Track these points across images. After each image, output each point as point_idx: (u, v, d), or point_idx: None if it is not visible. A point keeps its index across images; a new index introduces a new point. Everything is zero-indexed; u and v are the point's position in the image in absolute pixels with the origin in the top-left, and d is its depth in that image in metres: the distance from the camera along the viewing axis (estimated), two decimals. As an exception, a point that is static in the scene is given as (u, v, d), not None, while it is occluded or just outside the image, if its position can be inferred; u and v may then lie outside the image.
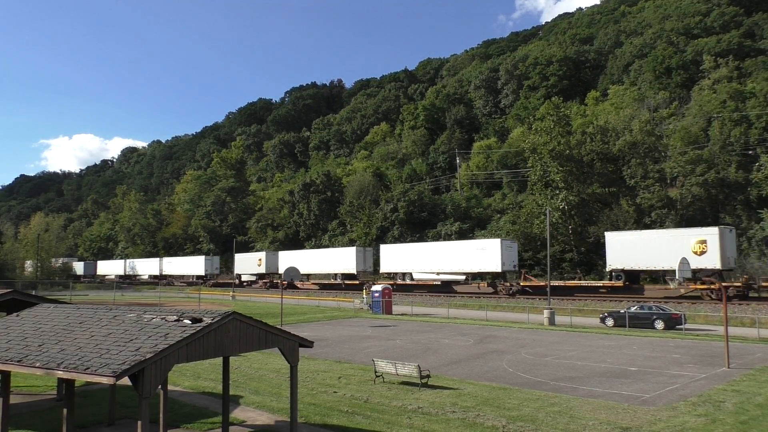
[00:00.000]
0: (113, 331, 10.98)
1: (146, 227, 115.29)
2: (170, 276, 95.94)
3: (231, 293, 67.69)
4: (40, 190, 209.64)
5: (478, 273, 54.47)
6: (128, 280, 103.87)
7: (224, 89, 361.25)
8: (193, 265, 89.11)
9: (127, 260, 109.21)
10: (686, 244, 40.61)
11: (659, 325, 32.09)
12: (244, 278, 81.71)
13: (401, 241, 68.61)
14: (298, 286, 68.63)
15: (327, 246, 79.41)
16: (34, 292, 35.05)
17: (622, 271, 44.93)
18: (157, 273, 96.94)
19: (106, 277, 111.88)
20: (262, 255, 77.52)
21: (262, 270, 76.53)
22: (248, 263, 79.54)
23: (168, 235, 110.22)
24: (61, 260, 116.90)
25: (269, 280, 77.04)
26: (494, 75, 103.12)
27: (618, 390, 17.38)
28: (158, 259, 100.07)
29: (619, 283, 45.41)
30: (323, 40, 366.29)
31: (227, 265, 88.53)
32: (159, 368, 9.63)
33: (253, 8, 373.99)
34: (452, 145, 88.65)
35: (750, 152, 52.08)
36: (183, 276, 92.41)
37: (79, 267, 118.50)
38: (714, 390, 17.24)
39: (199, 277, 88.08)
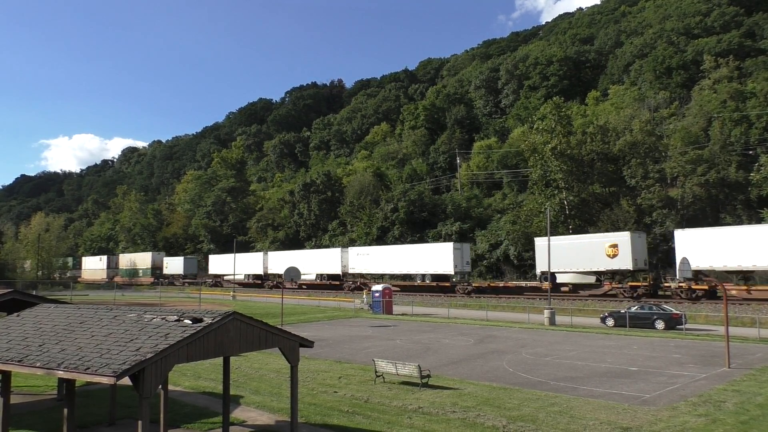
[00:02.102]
0: (114, 331, 10.98)
1: (147, 227, 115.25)
2: (361, 275, 64.58)
3: (231, 293, 67.68)
4: (41, 190, 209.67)
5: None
6: (268, 282, 76.88)
7: (224, 89, 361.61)
8: (433, 257, 55.66)
9: (268, 254, 78.07)
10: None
11: (660, 325, 32.07)
12: (561, 278, 49.98)
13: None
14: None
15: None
16: (34, 292, 35.07)
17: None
18: (335, 271, 66.78)
19: (226, 277, 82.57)
20: (622, 237, 44.90)
21: (624, 264, 44.39)
22: (579, 252, 46.82)
23: (168, 234, 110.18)
24: (149, 255, 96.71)
25: (656, 278, 46.67)
26: (494, 75, 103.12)
27: (618, 390, 17.38)
28: (338, 250, 67.93)
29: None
30: (323, 40, 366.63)
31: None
32: (159, 368, 9.64)
33: (253, 8, 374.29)
34: (452, 145, 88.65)
35: (750, 152, 52.05)
36: (406, 275, 61.04)
37: (175, 264, 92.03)
38: (714, 390, 17.23)
39: (441, 277, 56.30)
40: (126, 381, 9.61)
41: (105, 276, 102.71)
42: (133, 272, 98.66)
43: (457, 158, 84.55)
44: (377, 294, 45.31)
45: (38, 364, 10.04)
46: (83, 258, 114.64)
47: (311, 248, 77.62)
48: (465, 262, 54.89)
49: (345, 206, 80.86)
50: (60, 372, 9.81)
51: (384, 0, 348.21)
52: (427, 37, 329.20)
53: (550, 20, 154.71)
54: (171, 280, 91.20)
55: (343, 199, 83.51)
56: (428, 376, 18.45)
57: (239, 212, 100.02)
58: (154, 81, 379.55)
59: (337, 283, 67.21)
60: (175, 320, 10.97)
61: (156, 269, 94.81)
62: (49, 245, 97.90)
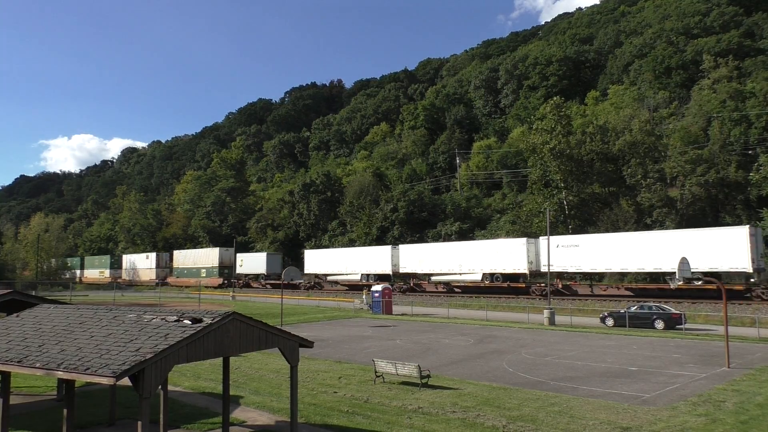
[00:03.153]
0: (113, 332, 10.98)
1: (146, 227, 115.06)
2: (565, 275, 48.81)
3: (231, 293, 67.65)
4: (40, 191, 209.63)
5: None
6: (399, 283, 61.27)
7: (224, 89, 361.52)
8: (707, 247, 38.18)
9: (399, 247, 60.74)
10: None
11: (659, 324, 32.08)
12: None
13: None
14: None
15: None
16: (34, 293, 35.06)
17: None
18: (518, 269, 49.21)
19: (330, 277, 67.97)
20: None
21: None
22: None
23: (168, 235, 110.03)
24: (216, 251, 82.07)
25: None
26: (494, 75, 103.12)
27: (618, 390, 17.39)
28: (523, 240, 49.89)
29: None
30: (323, 40, 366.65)
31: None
32: (159, 368, 9.63)
33: (253, 8, 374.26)
34: (452, 145, 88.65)
35: (750, 152, 52.07)
36: (650, 273, 43.37)
37: (254, 261, 76.30)
38: (714, 390, 17.24)
39: (716, 274, 36.83)
40: (126, 381, 9.61)
41: (154, 277, 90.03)
42: (194, 272, 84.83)
43: (457, 158, 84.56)
44: (377, 294, 45.44)
45: (38, 365, 10.04)
46: (123, 256, 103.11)
47: (481, 239, 59.95)
48: (760, 255, 38.39)
49: (345, 206, 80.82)
50: (60, 372, 9.80)
51: (384, 0, 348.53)
52: (427, 37, 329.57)
53: (549, 20, 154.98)
54: (247, 280, 77.93)
55: (342, 199, 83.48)
56: (428, 376, 18.45)
57: (239, 212, 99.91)
58: (153, 81, 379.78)
59: (521, 285, 50.40)
60: (175, 320, 10.96)
61: (225, 268, 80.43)
62: (49, 245, 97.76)
